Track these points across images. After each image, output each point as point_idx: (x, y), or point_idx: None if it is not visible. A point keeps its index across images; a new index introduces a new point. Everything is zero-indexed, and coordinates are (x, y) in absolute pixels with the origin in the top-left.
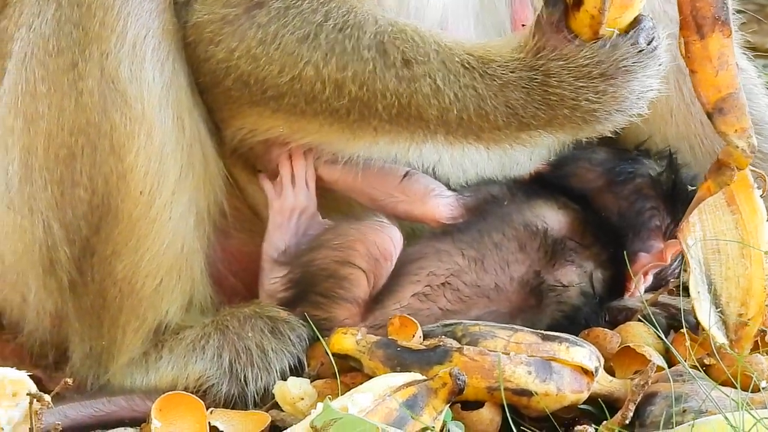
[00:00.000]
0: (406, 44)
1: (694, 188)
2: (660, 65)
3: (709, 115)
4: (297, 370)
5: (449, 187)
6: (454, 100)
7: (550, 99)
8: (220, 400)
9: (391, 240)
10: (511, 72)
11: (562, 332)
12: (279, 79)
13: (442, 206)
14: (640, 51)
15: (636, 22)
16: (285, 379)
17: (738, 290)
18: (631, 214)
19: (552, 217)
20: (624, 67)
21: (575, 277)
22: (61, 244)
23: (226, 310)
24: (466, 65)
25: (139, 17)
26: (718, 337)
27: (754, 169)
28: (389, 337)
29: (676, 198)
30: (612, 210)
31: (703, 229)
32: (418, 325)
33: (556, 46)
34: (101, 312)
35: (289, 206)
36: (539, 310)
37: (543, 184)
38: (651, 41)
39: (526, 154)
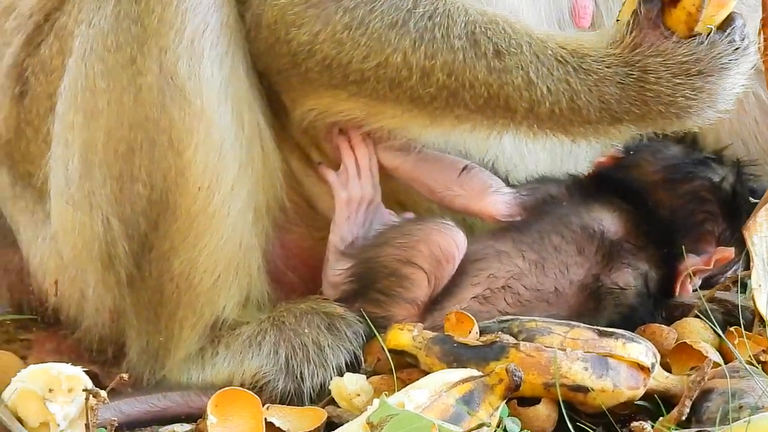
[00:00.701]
0: (497, 35)
1: (756, 201)
2: (751, 62)
3: None
4: (353, 367)
5: (507, 183)
6: (546, 94)
7: (646, 95)
8: (276, 397)
9: (454, 242)
10: (606, 67)
11: (617, 327)
12: (363, 64)
13: (500, 203)
14: (736, 49)
15: (729, 20)
16: (341, 375)
17: None
18: (684, 214)
19: (608, 220)
20: (721, 64)
21: (631, 278)
22: (119, 240)
23: (283, 306)
24: (560, 59)
25: (197, 13)
26: None
27: None
28: (446, 333)
29: (735, 207)
30: (666, 207)
31: (761, 224)
32: (475, 321)
33: (654, 42)
34: (158, 307)
35: (356, 197)
36: (597, 312)
37: (600, 182)
38: (744, 39)
39: (584, 150)
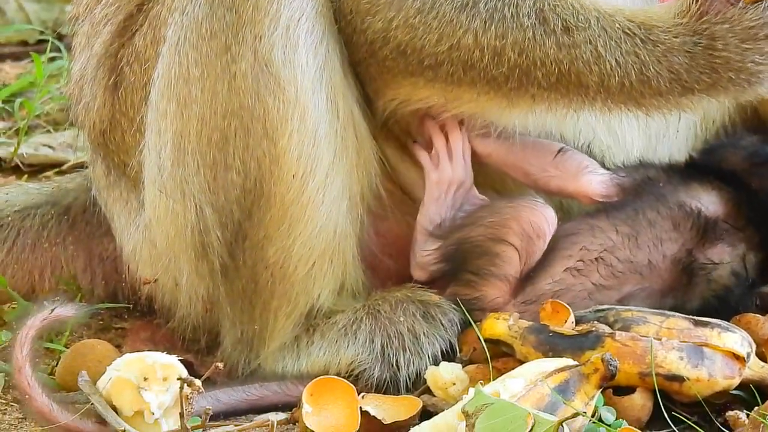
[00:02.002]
0: (565, 11)
1: None
2: None
3: None
4: (449, 355)
5: (604, 166)
6: (615, 67)
7: (715, 62)
8: (372, 385)
9: (545, 219)
10: (674, 37)
11: (713, 314)
12: (437, 48)
13: (596, 183)
14: None
15: None
16: (437, 364)
17: None
18: None
19: (706, 198)
20: None
21: (726, 255)
22: (213, 228)
23: (378, 294)
24: (627, 31)
25: (292, 0)
26: None
27: None
28: (541, 323)
29: None
30: (760, 191)
31: None
32: (570, 310)
33: (720, 9)
34: (253, 296)
35: (446, 179)
36: (690, 288)
37: (698, 169)
38: None
39: (677, 134)
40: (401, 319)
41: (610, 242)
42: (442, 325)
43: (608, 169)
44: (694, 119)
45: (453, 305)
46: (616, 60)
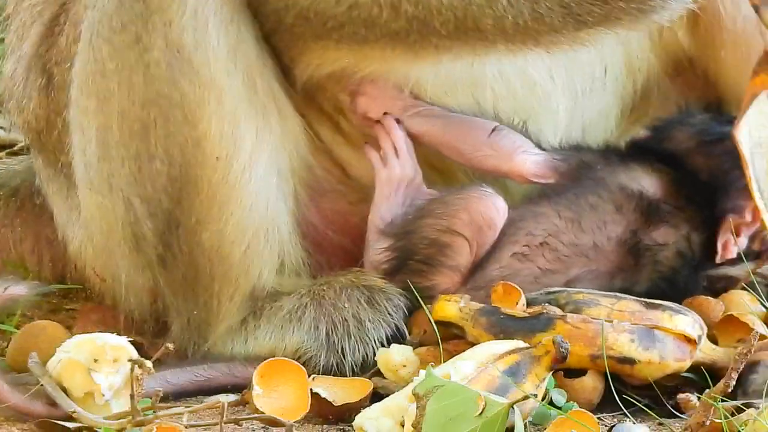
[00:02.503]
0: None
1: None
2: None
3: (756, 8)
4: (396, 340)
5: (540, 147)
6: (507, 7)
7: None
8: (318, 372)
9: (495, 208)
10: None
11: (662, 296)
12: (337, 9)
13: (530, 163)
14: None
15: None
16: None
17: None
18: (720, 174)
19: (647, 180)
20: None
21: (671, 237)
22: (143, 220)
23: (323, 279)
24: None
25: None
26: None
27: None
28: (493, 305)
29: None
30: (703, 170)
31: (747, 122)
32: (522, 293)
33: None
34: (194, 283)
35: (396, 177)
36: (637, 270)
37: (638, 150)
38: None
39: (600, 86)
40: (345, 305)
41: (554, 227)
42: (387, 310)
43: (543, 149)
44: (620, 71)
45: (399, 290)
46: (508, 0)
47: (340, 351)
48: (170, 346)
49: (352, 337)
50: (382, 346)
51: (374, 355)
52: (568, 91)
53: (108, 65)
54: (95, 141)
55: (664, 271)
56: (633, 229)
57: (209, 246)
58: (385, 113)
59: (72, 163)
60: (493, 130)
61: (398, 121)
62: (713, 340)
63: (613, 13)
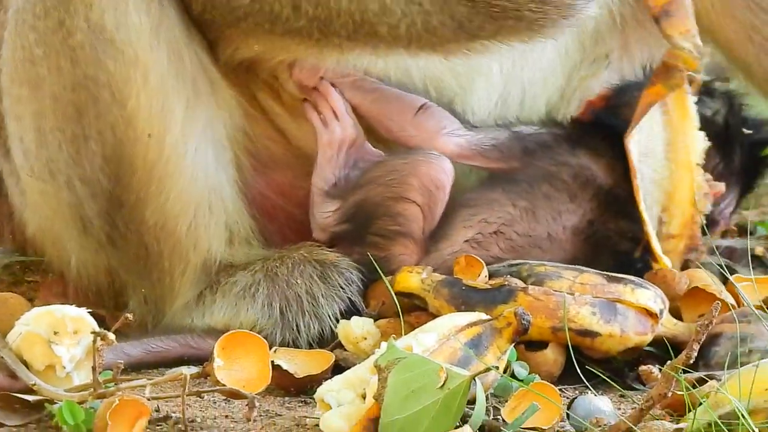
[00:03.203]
0: None
1: (750, 132)
2: None
3: (656, 19)
4: (351, 315)
5: (471, 124)
6: (401, 17)
7: (493, 11)
8: (276, 348)
9: (443, 170)
10: None
11: None
12: (240, 1)
13: (452, 145)
14: None
15: None
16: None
17: (661, 193)
18: None
19: (596, 167)
20: None
21: (625, 225)
22: (86, 201)
23: (276, 254)
24: None
25: None
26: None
27: (689, 73)
28: (455, 276)
29: (727, 139)
30: None
31: (640, 132)
32: (484, 264)
33: None
34: (146, 260)
35: (337, 138)
36: (593, 258)
37: (582, 131)
38: None
39: (539, 52)
40: (299, 281)
41: (508, 216)
42: (340, 285)
43: (475, 128)
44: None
45: (351, 263)
46: (401, 10)
47: (295, 328)
48: (129, 316)
49: (306, 314)
50: (337, 321)
51: (330, 330)
52: (505, 57)
53: (36, 51)
54: (31, 128)
55: (621, 259)
56: (590, 219)
57: (153, 223)
58: (321, 78)
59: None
60: (420, 109)
61: (334, 85)
62: (677, 313)
63: (503, 30)
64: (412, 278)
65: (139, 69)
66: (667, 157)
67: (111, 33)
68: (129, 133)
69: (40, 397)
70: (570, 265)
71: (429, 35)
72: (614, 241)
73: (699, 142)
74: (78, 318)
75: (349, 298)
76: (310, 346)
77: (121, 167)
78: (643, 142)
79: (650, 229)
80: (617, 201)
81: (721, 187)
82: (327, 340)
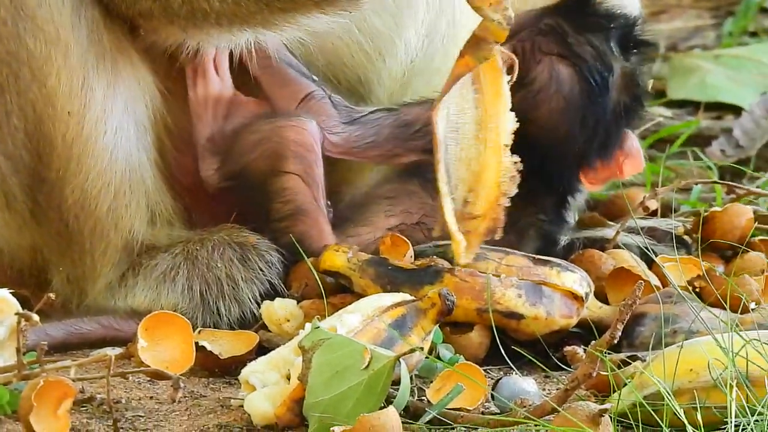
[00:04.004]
0: None
1: None
2: None
3: None
4: (273, 297)
5: (355, 113)
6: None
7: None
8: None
9: (309, 133)
10: None
11: None
12: None
13: (327, 143)
14: None
15: None
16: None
17: (468, 173)
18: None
19: None
20: None
21: (546, 208)
22: (9, 177)
23: (197, 237)
24: None
25: None
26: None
27: (506, 51)
28: (381, 256)
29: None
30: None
31: (447, 104)
32: (410, 244)
33: None
34: (68, 239)
35: (201, 95)
36: (522, 246)
37: None
38: None
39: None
40: (218, 264)
41: (428, 207)
42: (260, 267)
43: (355, 121)
44: None
45: (271, 246)
46: None
47: (215, 311)
48: (52, 296)
49: (227, 297)
50: (258, 304)
51: (252, 313)
52: (388, 14)
53: None
54: None
55: (547, 245)
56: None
57: (73, 201)
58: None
59: None
60: (304, 99)
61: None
62: (602, 292)
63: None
64: (338, 257)
65: (60, 47)
66: (477, 137)
67: (32, 10)
68: (49, 111)
69: None
70: (496, 247)
71: (237, 9)
72: (540, 225)
73: (509, 123)
74: (1, 299)
75: (269, 281)
76: (232, 330)
77: (42, 144)
78: (453, 117)
79: (448, 205)
80: (529, 188)
81: None
82: (248, 323)
